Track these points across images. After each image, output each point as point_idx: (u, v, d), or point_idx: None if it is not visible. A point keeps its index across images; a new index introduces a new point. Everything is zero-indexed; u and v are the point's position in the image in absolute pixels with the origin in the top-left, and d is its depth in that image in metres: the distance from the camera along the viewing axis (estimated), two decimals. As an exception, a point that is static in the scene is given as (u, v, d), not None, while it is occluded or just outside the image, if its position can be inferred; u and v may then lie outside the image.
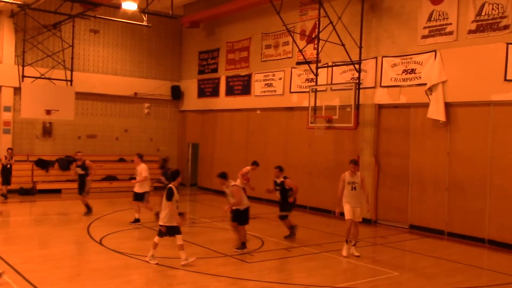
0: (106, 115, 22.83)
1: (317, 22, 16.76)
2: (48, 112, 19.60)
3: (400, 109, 14.99)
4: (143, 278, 9.21)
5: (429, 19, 14.13)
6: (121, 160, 22.48)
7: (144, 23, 19.91)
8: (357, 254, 10.85)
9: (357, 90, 15.08)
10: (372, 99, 15.51)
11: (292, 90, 18.28)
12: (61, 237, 12.55)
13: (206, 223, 14.63)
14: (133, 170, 15.10)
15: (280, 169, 12.62)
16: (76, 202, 15.08)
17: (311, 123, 16.07)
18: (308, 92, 16.40)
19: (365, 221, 14.05)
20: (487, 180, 12.78)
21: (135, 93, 23.27)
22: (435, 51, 13.90)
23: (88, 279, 8.85)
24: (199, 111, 23.48)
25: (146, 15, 19.14)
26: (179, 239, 9.75)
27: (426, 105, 13.96)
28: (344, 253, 10.82)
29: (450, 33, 13.62)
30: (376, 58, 15.47)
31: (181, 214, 12.18)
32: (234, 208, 10.99)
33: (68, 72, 20.79)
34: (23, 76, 19.82)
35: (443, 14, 13.81)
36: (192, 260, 9.71)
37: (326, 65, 16.55)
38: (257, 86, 19.92)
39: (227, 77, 21.52)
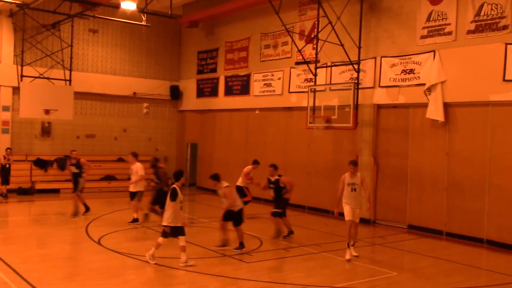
0: (105, 115, 22.81)
1: (316, 22, 16.76)
2: (47, 111, 19.58)
3: (399, 109, 15.00)
4: (141, 278, 9.20)
5: (428, 19, 14.13)
6: (120, 160, 22.46)
7: (143, 23, 19.90)
8: (355, 254, 10.83)
9: (356, 90, 15.08)
10: (371, 99, 15.51)
11: (291, 90, 18.28)
12: (60, 237, 12.55)
13: (205, 223, 14.63)
14: None
15: (274, 167, 12.59)
16: (79, 203, 15.04)
17: (310, 123, 16.06)
18: (307, 92, 16.40)
19: (364, 221, 14.05)
20: (486, 180, 12.78)
21: (134, 93, 23.26)
22: (434, 51, 13.90)
23: (86, 279, 8.85)
24: (198, 111, 23.48)
25: (145, 14, 19.13)
26: (182, 241, 9.74)
27: (425, 105, 13.96)
28: (348, 256, 10.59)
29: (449, 33, 13.62)
30: (375, 58, 15.48)
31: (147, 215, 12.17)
32: (228, 209, 10.97)
33: (67, 72, 20.77)
34: (22, 76, 19.80)
35: (442, 14, 13.81)
36: (191, 263, 9.69)
37: (325, 65, 16.55)
38: (256, 86, 19.91)
39: (226, 77, 21.52)
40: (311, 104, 16.00)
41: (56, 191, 20.12)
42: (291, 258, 10.86)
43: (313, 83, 16.51)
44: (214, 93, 22.23)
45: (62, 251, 11.20)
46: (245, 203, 15.55)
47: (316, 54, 16.46)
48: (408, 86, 14.54)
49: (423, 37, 14.27)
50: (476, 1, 13.02)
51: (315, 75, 16.41)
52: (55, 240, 12.17)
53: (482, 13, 12.89)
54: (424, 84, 14.00)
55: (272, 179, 12.48)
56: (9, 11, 19.97)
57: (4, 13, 20.02)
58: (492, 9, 12.67)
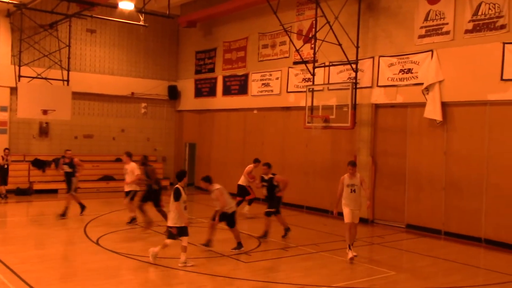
0: (103, 115, 22.79)
1: (314, 21, 16.76)
2: (45, 112, 19.55)
3: (397, 108, 15.01)
4: (139, 278, 9.19)
5: (426, 19, 14.14)
6: (118, 160, 22.38)
7: (141, 23, 19.85)
8: (354, 254, 10.81)
9: (354, 90, 15.09)
10: (369, 98, 15.52)
11: (289, 90, 18.28)
12: (58, 237, 12.54)
13: (203, 223, 14.61)
14: None
15: (268, 166, 12.54)
16: (72, 202, 14.99)
17: (308, 122, 16.08)
18: (305, 91, 16.42)
19: (362, 221, 14.02)
20: (484, 180, 12.80)
21: (132, 93, 23.25)
22: (431, 50, 13.92)
23: (84, 279, 8.83)
24: (196, 111, 23.47)
25: (143, 14, 19.10)
26: (184, 241, 9.73)
27: (423, 105, 13.98)
28: (350, 255, 10.45)
29: (447, 32, 13.64)
30: (373, 57, 15.48)
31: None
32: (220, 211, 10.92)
33: (65, 72, 20.74)
34: (20, 76, 19.76)
35: (439, 14, 13.83)
36: (190, 265, 9.68)
37: (323, 64, 16.56)
38: (254, 86, 19.91)
39: (224, 77, 21.51)
40: (309, 103, 16.02)
41: (54, 191, 20.09)
42: (289, 258, 10.86)
43: (311, 83, 16.52)
44: (212, 93, 22.23)
45: (60, 252, 11.20)
46: (250, 201, 15.61)
47: (314, 53, 16.46)
48: (406, 85, 14.55)
49: (421, 36, 14.29)
50: (473, 0, 13.04)
51: (313, 74, 16.42)
52: (53, 240, 12.16)
53: (479, 13, 12.91)
54: (422, 84, 14.01)
55: (266, 177, 12.41)
56: (6, 11, 19.94)
57: (2, 13, 19.99)
58: (489, 8, 12.69)
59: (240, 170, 19.45)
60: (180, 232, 9.73)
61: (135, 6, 17.66)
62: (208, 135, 22.62)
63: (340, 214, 10.80)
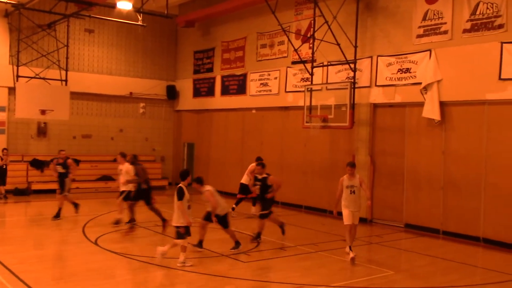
0: (101, 115, 22.78)
1: (312, 21, 16.77)
2: (43, 112, 19.53)
3: (395, 108, 15.02)
4: (138, 278, 9.19)
5: (424, 19, 14.16)
6: (116, 160, 22.40)
7: (139, 23, 19.85)
8: (354, 254, 10.79)
9: (352, 90, 15.10)
10: (367, 98, 15.53)
11: (287, 90, 18.28)
12: (56, 237, 12.53)
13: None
14: None
15: (262, 165, 12.42)
16: (65, 203, 14.94)
17: (307, 122, 16.09)
18: (303, 91, 16.43)
19: (361, 220, 13.96)
20: (482, 179, 12.82)
21: (130, 93, 23.23)
22: (430, 50, 13.93)
23: (83, 279, 8.82)
24: (194, 110, 23.46)
25: (141, 14, 19.10)
26: (184, 241, 9.75)
27: (421, 104, 13.99)
28: (352, 254, 10.39)
29: (445, 32, 13.65)
30: (371, 57, 15.50)
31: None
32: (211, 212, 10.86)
33: (63, 72, 20.72)
34: (18, 76, 19.74)
35: (438, 14, 13.84)
36: (189, 265, 9.67)
37: (322, 64, 16.57)
38: (252, 86, 19.91)
39: (223, 77, 21.51)
40: (307, 103, 16.03)
41: (53, 191, 19.90)
42: (288, 257, 10.86)
43: (309, 83, 16.53)
44: (210, 92, 22.22)
45: (59, 252, 11.20)
46: (254, 200, 15.56)
47: (313, 53, 16.47)
48: (404, 85, 14.57)
49: (419, 36, 14.30)
50: (471, 0, 13.06)
51: (312, 74, 16.43)
52: (52, 240, 12.15)
53: (477, 12, 12.93)
54: (420, 83, 14.03)
55: (259, 177, 12.25)
56: (4, 11, 19.91)
57: (0, 13, 19.96)
58: (487, 8, 12.71)
59: (239, 170, 19.51)
60: (178, 232, 9.72)
61: (133, 6, 17.66)
62: (207, 135, 22.62)
63: (340, 214, 10.78)
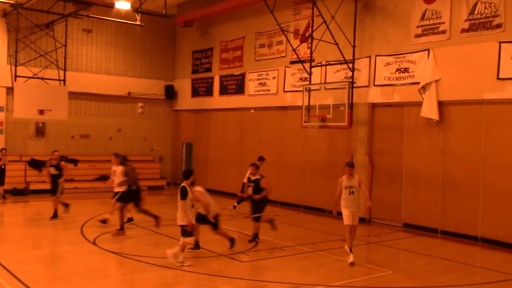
0: (99, 115, 22.76)
1: (310, 21, 16.78)
2: (41, 112, 19.51)
3: (394, 108, 15.03)
4: (137, 278, 9.18)
5: (422, 18, 14.17)
6: (111, 161, 22.36)
7: (138, 23, 19.86)
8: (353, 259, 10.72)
9: (350, 89, 15.11)
10: (365, 98, 15.54)
11: (286, 89, 18.28)
12: (55, 237, 12.52)
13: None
14: None
15: (256, 166, 12.34)
16: (68, 202, 14.94)
17: (305, 122, 16.09)
18: (302, 91, 16.43)
19: (359, 220, 14.02)
20: (480, 179, 12.84)
21: (129, 93, 23.21)
22: (428, 50, 13.94)
23: (81, 279, 8.81)
24: (193, 110, 23.45)
25: (140, 14, 19.10)
26: (183, 240, 9.78)
27: (419, 104, 14.00)
28: (351, 259, 10.34)
29: (443, 32, 13.67)
30: (369, 57, 15.51)
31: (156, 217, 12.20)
32: (203, 213, 10.77)
33: (61, 72, 20.71)
34: (16, 76, 19.72)
35: (436, 13, 13.85)
36: (188, 264, 9.66)
37: (320, 64, 16.57)
38: (250, 86, 19.91)
39: (221, 77, 21.51)
40: (306, 103, 16.03)
41: (51, 191, 20.00)
42: (287, 257, 10.86)
43: (308, 82, 16.54)
44: (209, 92, 22.22)
45: (57, 252, 11.18)
46: (242, 198, 15.55)
47: (311, 53, 16.47)
48: (403, 84, 14.58)
49: (417, 36, 14.31)
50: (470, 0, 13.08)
51: (310, 74, 16.43)
52: (50, 240, 12.14)
53: (476, 12, 12.94)
54: (418, 83, 14.04)
55: (253, 178, 12.16)
56: (2, 11, 19.89)
57: (-2, 13, 19.97)
58: (485, 7, 12.72)
59: (237, 170, 19.53)
60: (183, 230, 9.73)
61: (131, 5, 17.64)
62: (205, 135, 22.61)
63: (340, 214, 10.75)
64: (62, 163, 14.80)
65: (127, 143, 23.03)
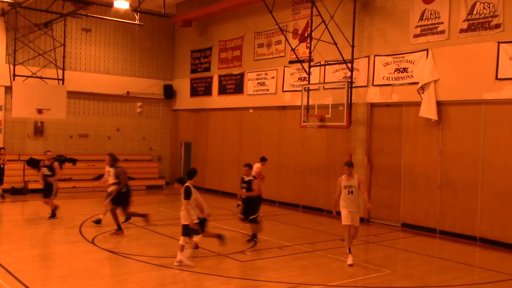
0: (98, 114, 22.75)
1: (309, 21, 16.78)
2: (40, 111, 19.49)
3: (393, 107, 15.04)
4: (135, 277, 9.17)
5: (421, 18, 14.18)
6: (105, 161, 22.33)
7: (136, 22, 19.83)
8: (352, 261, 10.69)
9: (349, 89, 15.11)
10: (364, 97, 15.55)
11: (284, 89, 18.28)
12: (53, 236, 12.51)
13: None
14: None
15: (249, 167, 12.32)
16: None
17: (304, 122, 16.09)
18: (300, 91, 16.43)
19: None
20: (479, 178, 12.85)
21: (128, 92, 23.20)
22: (427, 50, 13.95)
23: (80, 278, 8.81)
24: (191, 110, 23.45)
25: (138, 13, 19.07)
26: (182, 240, 9.80)
27: (418, 104, 14.01)
28: (350, 261, 10.27)
29: (442, 32, 13.68)
30: (368, 57, 15.51)
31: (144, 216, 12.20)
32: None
33: (60, 71, 20.68)
34: (14, 75, 19.68)
35: (435, 13, 13.86)
36: (186, 264, 9.67)
37: (319, 64, 16.58)
38: (249, 85, 19.91)
39: (220, 76, 21.50)
40: (304, 103, 16.04)
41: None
42: (285, 256, 10.86)
43: (306, 82, 16.54)
44: (207, 92, 22.21)
45: (56, 251, 11.17)
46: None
47: (310, 53, 16.48)
48: (402, 84, 14.59)
49: (416, 35, 14.32)
50: (468, 0, 13.08)
51: (309, 74, 16.43)
52: (49, 240, 12.13)
53: (474, 12, 12.95)
54: (417, 83, 14.05)
55: (246, 178, 12.10)
56: (1, 10, 19.88)
57: (-4, 12, 19.95)
58: (484, 8, 12.73)
59: (236, 170, 19.51)
60: (185, 230, 9.75)
61: (130, 5, 17.63)
62: (204, 134, 22.61)
63: (340, 214, 10.72)
64: (55, 164, 14.60)
65: (126, 143, 23.02)
